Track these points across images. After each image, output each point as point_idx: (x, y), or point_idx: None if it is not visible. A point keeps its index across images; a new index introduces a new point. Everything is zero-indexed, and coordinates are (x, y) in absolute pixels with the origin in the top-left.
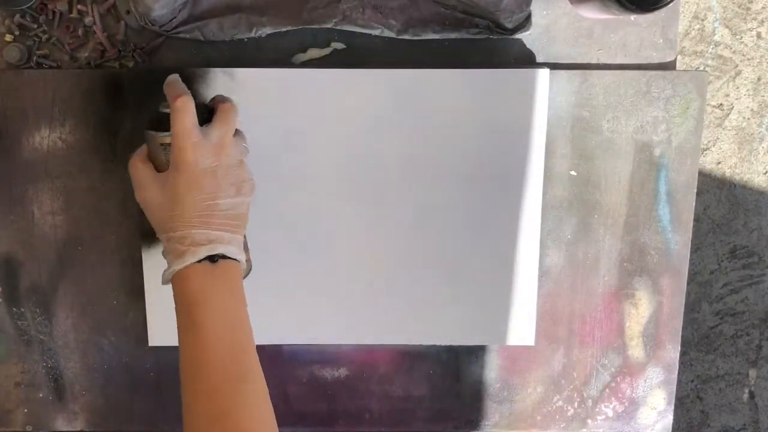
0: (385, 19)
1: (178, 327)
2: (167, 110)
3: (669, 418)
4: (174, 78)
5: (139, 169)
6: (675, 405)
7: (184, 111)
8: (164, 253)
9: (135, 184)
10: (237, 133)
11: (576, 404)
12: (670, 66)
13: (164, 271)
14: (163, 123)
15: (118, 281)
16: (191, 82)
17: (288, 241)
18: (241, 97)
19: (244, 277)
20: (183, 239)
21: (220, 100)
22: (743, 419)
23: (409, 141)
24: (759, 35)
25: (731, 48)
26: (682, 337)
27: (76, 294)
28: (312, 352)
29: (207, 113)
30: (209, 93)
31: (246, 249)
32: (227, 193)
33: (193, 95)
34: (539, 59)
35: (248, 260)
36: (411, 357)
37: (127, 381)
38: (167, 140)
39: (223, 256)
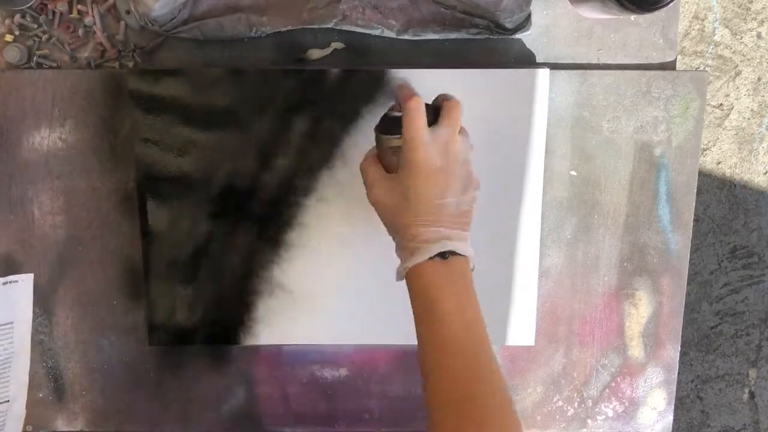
0: (385, 19)
1: (416, 320)
2: (396, 114)
3: (669, 418)
4: (405, 82)
5: (371, 170)
6: (675, 405)
7: (416, 111)
8: (397, 250)
9: (367, 184)
10: (461, 130)
11: (576, 404)
12: (670, 66)
13: (398, 266)
14: (393, 126)
15: (118, 281)
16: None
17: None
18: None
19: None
20: (415, 237)
21: (445, 98)
22: (743, 419)
23: None
24: (759, 35)
25: (731, 48)
26: (682, 337)
27: (76, 294)
28: (312, 352)
29: (432, 114)
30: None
31: None
32: (456, 190)
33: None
34: (539, 59)
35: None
36: (411, 357)
37: (127, 381)
38: (397, 143)
39: (453, 253)
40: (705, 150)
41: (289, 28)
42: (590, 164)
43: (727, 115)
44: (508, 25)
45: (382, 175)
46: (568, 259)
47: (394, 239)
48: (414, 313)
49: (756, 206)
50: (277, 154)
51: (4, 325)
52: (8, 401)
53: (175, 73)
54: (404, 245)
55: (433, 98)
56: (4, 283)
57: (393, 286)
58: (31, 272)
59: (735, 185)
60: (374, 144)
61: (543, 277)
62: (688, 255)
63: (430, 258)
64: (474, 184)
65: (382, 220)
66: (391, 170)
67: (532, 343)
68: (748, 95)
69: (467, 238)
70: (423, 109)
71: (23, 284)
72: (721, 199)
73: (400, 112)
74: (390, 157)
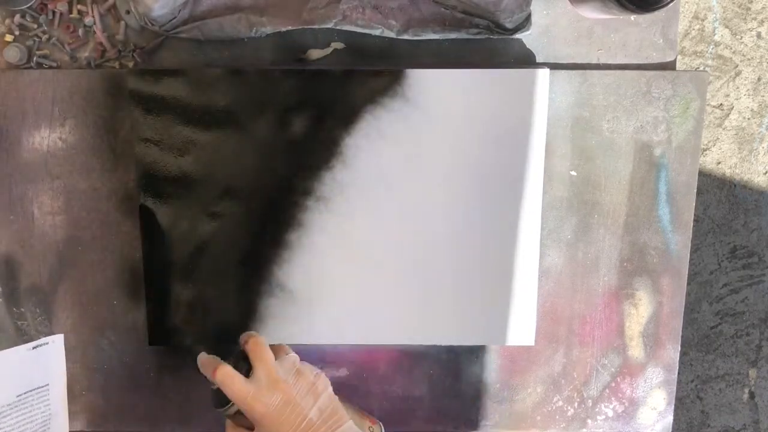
0: (385, 19)
1: None
2: (215, 386)
3: (669, 418)
4: (201, 359)
5: None
6: (675, 405)
7: (226, 379)
8: None
9: None
10: (278, 350)
11: (576, 404)
12: (670, 66)
13: None
14: (220, 397)
15: (118, 281)
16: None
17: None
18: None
19: None
20: None
21: (244, 341)
22: (743, 419)
23: (409, 141)
24: (759, 35)
25: (731, 48)
26: (682, 337)
27: (76, 294)
28: (312, 352)
29: (243, 361)
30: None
31: (360, 414)
32: (308, 405)
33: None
34: (539, 59)
35: (368, 418)
36: (411, 357)
37: (127, 381)
38: (235, 408)
39: None
40: (705, 150)
41: (289, 28)
42: (590, 164)
43: (727, 115)
44: (508, 25)
45: None
46: (568, 259)
47: None
48: None
49: (756, 206)
50: (277, 154)
51: (40, 388)
52: None
53: (175, 73)
54: None
55: (237, 344)
56: (35, 347)
57: (393, 285)
58: (31, 272)
59: (735, 185)
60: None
61: (543, 277)
62: (688, 255)
63: None
64: (320, 383)
65: None
66: (252, 427)
67: (532, 343)
68: (748, 95)
69: (351, 426)
70: (231, 372)
71: (54, 345)
72: (721, 199)
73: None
74: (242, 421)
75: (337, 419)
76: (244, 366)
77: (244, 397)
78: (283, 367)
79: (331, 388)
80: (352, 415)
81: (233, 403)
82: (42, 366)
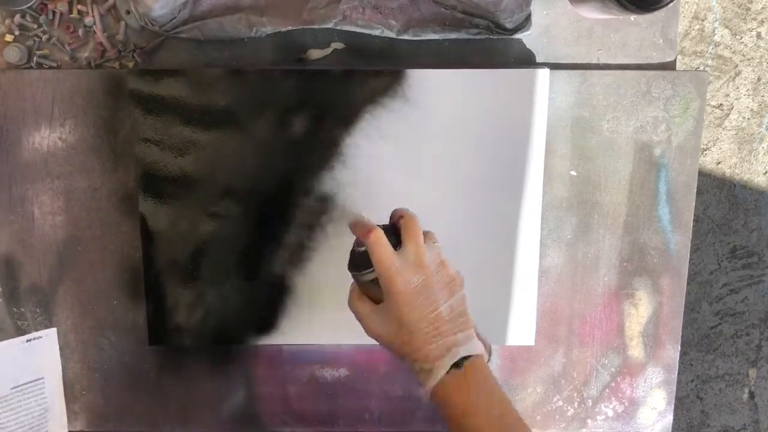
0: (385, 19)
1: None
2: (360, 249)
3: (669, 418)
4: (357, 216)
5: (358, 306)
6: (675, 405)
7: (378, 244)
8: (413, 374)
9: (360, 321)
10: (426, 236)
11: (576, 404)
12: (670, 66)
13: (422, 391)
14: (363, 261)
15: (118, 281)
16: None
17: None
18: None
19: (488, 359)
20: (425, 358)
21: (400, 215)
22: (743, 419)
23: (409, 141)
24: (759, 35)
25: (731, 48)
26: (682, 337)
27: (76, 294)
28: (312, 352)
29: (393, 235)
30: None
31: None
32: (443, 298)
33: None
34: (539, 59)
35: (483, 341)
36: None
37: (127, 381)
38: (372, 275)
39: (466, 357)
40: (705, 150)
41: (289, 28)
42: (590, 164)
43: (727, 115)
44: (508, 25)
45: (371, 309)
46: (568, 259)
47: (406, 363)
48: (448, 427)
49: (756, 206)
50: (277, 154)
51: (35, 381)
52: None
53: (175, 73)
54: (419, 368)
55: (389, 217)
56: (28, 341)
57: None
58: (31, 272)
59: (735, 185)
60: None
61: (543, 277)
62: (688, 255)
63: (447, 372)
64: (457, 282)
65: (388, 350)
66: (377, 301)
67: (532, 343)
68: (748, 95)
69: (473, 335)
70: (384, 239)
71: (47, 339)
72: (721, 199)
73: (363, 246)
74: (372, 290)
75: (464, 322)
76: (392, 240)
77: (389, 267)
78: (430, 252)
79: (464, 290)
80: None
81: (373, 270)
82: (36, 359)
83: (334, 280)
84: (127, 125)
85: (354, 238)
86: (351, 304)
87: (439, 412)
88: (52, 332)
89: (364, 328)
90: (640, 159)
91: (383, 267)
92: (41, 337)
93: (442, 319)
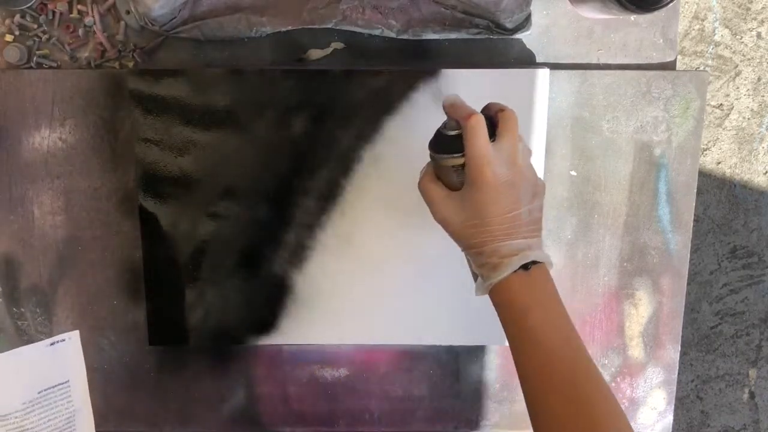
0: (385, 19)
1: (507, 335)
2: (451, 132)
3: (669, 418)
4: (456, 98)
5: (432, 189)
6: (675, 405)
7: (478, 129)
8: (474, 265)
9: (430, 204)
10: (519, 137)
11: None
12: (670, 66)
13: (479, 283)
14: (451, 144)
15: (118, 281)
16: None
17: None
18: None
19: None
20: (494, 252)
21: (498, 108)
22: (743, 419)
23: (409, 141)
24: (759, 35)
25: (731, 48)
26: (682, 337)
27: (76, 294)
28: (312, 352)
29: (489, 126)
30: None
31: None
32: (526, 200)
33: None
34: (539, 59)
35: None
36: (411, 357)
37: (127, 381)
38: (458, 161)
39: (534, 262)
40: (705, 150)
41: (289, 28)
42: (590, 164)
43: (727, 115)
44: (508, 25)
45: (446, 194)
46: (568, 259)
47: (467, 254)
48: (505, 329)
49: (756, 206)
50: (276, 154)
51: (61, 384)
52: None
53: (175, 73)
54: (484, 261)
55: (482, 108)
56: (52, 344)
57: (393, 285)
58: (31, 272)
59: (735, 185)
60: (421, 156)
61: None
62: (688, 255)
63: (514, 272)
64: (540, 188)
65: (452, 237)
66: (451, 187)
67: None
68: (748, 95)
69: (542, 244)
70: (485, 126)
71: (71, 342)
72: (721, 199)
73: (454, 129)
74: (450, 175)
75: (537, 229)
76: (488, 128)
77: (484, 154)
78: (523, 151)
79: (544, 199)
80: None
81: (460, 156)
82: (60, 362)
83: (334, 280)
84: (127, 125)
85: (442, 118)
86: (423, 186)
87: (497, 311)
88: (75, 335)
89: (433, 211)
90: (640, 159)
91: (477, 154)
92: (64, 340)
93: (520, 220)
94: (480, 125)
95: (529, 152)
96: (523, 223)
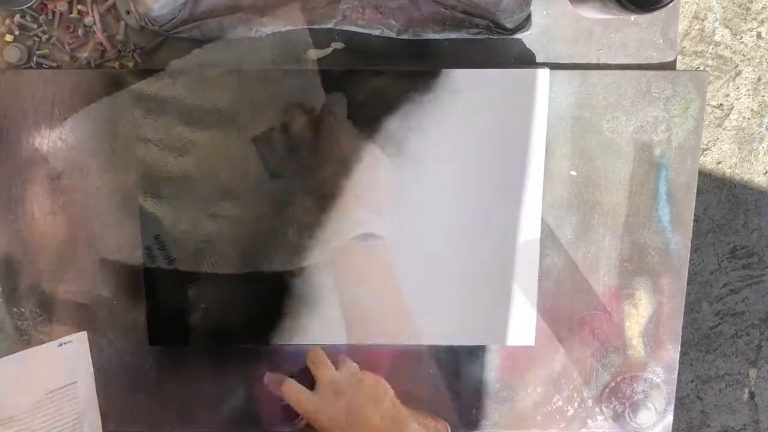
0: (385, 19)
1: None
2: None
3: (669, 418)
4: (269, 376)
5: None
6: (675, 405)
7: (292, 395)
8: None
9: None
10: (337, 359)
11: (576, 404)
12: (670, 66)
13: None
14: (292, 410)
15: (118, 281)
16: None
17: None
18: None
19: None
20: None
21: (307, 356)
22: (743, 419)
23: (409, 141)
24: (759, 35)
25: (731, 48)
26: (682, 337)
27: (76, 294)
28: None
29: (306, 377)
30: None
31: (424, 415)
32: (371, 411)
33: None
34: (539, 59)
35: (434, 424)
36: (411, 357)
37: (127, 381)
38: (305, 422)
39: None
40: (705, 150)
41: (289, 28)
42: (590, 164)
43: (727, 115)
44: (508, 25)
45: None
46: (568, 259)
47: None
48: None
49: (756, 206)
50: (276, 154)
51: (68, 385)
52: None
53: (175, 73)
54: None
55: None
56: (60, 345)
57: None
58: (31, 272)
59: (735, 185)
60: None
61: (543, 277)
62: (688, 255)
63: None
64: (380, 387)
65: None
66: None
67: (532, 343)
68: (748, 95)
69: (415, 430)
70: (296, 388)
71: (78, 343)
72: (721, 199)
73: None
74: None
75: (400, 422)
76: (307, 379)
77: (309, 410)
78: (344, 376)
79: (392, 392)
80: (417, 416)
81: (302, 417)
82: (68, 363)
83: (333, 281)
84: (127, 125)
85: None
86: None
87: None
88: (83, 335)
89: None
90: (640, 159)
91: (304, 411)
92: (72, 341)
93: (377, 430)
94: (291, 389)
95: (352, 369)
96: (383, 430)
